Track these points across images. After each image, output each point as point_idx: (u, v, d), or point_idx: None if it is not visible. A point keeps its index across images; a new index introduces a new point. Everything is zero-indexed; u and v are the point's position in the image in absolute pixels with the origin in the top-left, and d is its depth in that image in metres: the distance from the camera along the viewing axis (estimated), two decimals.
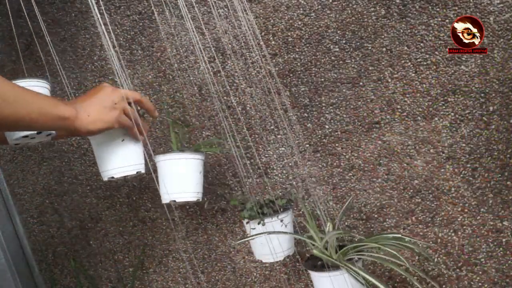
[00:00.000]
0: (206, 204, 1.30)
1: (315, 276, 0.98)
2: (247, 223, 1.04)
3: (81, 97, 0.75)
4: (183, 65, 1.31)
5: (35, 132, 0.80)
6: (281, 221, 1.03)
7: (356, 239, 1.05)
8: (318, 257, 0.99)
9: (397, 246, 0.95)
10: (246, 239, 1.04)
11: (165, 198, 0.99)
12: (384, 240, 0.98)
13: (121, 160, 0.84)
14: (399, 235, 1.03)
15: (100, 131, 0.74)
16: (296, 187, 1.23)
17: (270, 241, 1.02)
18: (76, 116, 0.69)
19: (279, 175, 1.25)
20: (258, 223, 1.02)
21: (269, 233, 1.00)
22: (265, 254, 1.05)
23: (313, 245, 1.00)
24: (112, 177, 0.84)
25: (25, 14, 1.44)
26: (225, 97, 1.28)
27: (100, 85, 0.77)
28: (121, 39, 1.36)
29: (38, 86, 0.89)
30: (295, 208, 1.22)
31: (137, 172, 0.86)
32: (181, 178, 1.00)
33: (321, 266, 0.97)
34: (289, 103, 1.22)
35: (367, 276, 0.89)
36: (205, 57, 1.26)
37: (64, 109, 0.67)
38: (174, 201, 0.98)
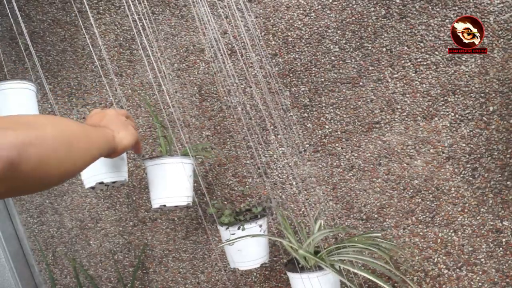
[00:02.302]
0: (209, 205, 1.30)
1: (300, 278, 0.96)
2: (226, 229, 1.04)
3: (92, 121, 0.69)
4: (183, 65, 1.31)
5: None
6: (260, 226, 1.04)
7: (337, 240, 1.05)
8: (297, 260, 0.99)
9: (377, 246, 0.96)
10: (228, 242, 1.03)
11: (155, 203, 0.98)
12: (363, 241, 0.98)
13: (113, 167, 0.84)
14: (378, 235, 1.04)
15: (131, 145, 0.70)
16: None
17: (247, 247, 1.02)
18: (112, 134, 0.65)
19: (279, 175, 1.25)
20: (238, 228, 1.02)
21: (253, 236, 1.00)
22: (242, 261, 1.04)
23: (293, 248, 0.99)
24: (102, 182, 0.83)
25: (25, 14, 1.44)
26: (224, 97, 1.28)
27: (99, 112, 0.72)
28: (121, 39, 1.36)
29: (23, 87, 0.87)
30: (270, 216, 1.22)
31: (124, 179, 0.86)
32: (171, 182, 0.99)
33: (301, 268, 0.97)
34: (289, 103, 1.22)
35: (360, 272, 0.89)
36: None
37: (107, 131, 0.64)
38: (165, 205, 0.97)
